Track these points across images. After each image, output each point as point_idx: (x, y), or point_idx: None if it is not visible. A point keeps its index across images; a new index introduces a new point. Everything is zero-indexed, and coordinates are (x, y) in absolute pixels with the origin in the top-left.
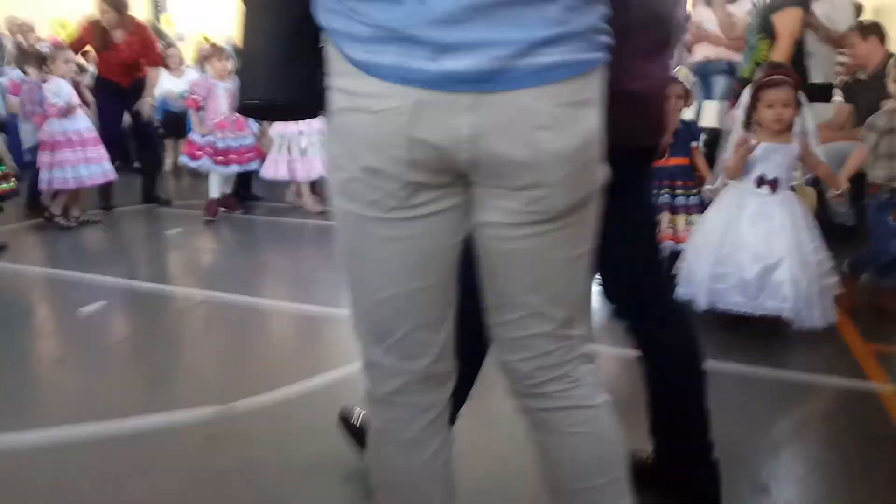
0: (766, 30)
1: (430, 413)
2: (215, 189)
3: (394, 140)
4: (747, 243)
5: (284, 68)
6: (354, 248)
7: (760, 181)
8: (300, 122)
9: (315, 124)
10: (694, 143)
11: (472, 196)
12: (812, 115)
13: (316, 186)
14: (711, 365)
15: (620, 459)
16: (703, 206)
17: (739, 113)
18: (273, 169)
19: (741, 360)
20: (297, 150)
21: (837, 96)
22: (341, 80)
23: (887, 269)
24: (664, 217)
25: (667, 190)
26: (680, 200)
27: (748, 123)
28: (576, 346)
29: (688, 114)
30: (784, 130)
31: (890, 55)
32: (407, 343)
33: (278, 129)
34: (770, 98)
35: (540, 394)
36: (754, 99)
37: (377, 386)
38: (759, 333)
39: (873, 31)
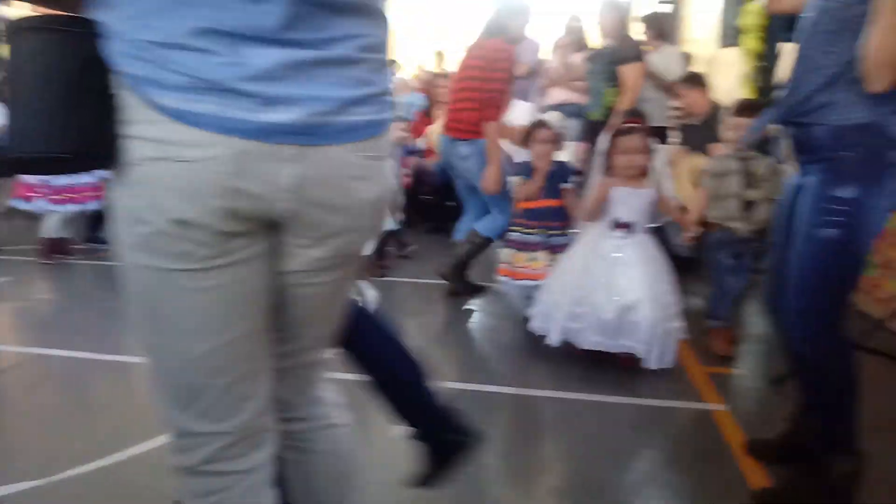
0: (614, 79)
1: (252, 478)
2: (52, 229)
3: (211, 189)
4: (605, 285)
5: (66, 116)
6: (156, 307)
7: (616, 224)
8: None
9: None
10: (565, 185)
11: (277, 244)
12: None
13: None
14: (571, 395)
15: (357, 474)
16: None
17: (599, 158)
18: None
19: (595, 390)
20: None
21: (674, 138)
22: (144, 129)
23: (718, 307)
24: (536, 255)
25: (539, 230)
26: (556, 240)
27: (606, 168)
28: (323, 373)
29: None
30: (638, 176)
31: (715, 103)
32: (223, 402)
33: None
34: (624, 145)
35: (299, 418)
36: (611, 145)
37: (190, 456)
38: (614, 367)
39: (699, 81)
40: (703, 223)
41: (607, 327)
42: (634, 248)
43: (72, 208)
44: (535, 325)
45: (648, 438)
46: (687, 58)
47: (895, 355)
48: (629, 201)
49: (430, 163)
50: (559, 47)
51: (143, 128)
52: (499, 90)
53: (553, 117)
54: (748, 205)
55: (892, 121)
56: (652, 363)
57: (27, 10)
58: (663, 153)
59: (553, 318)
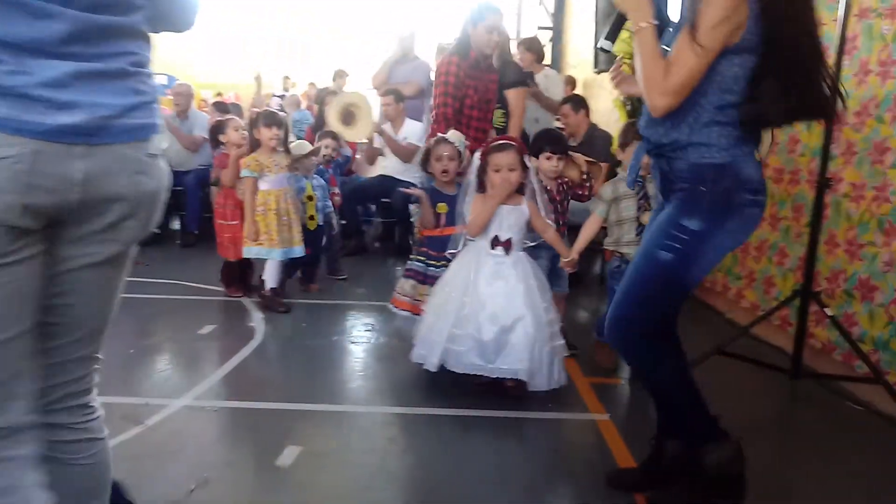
0: (501, 101)
1: (15, 469)
2: None
3: (9, 186)
4: (484, 304)
5: None
6: None
7: (495, 242)
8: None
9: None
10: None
11: (59, 240)
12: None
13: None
14: (460, 412)
15: (109, 486)
16: None
17: (472, 177)
18: None
19: (482, 405)
20: None
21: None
22: None
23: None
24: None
25: (444, 263)
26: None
27: (480, 186)
28: (94, 374)
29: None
30: (513, 193)
31: (594, 125)
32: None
33: None
34: (496, 162)
35: (60, 424)
36: (483, 163)
37: None
38: (499, 391)
39: (582, 104)
40: (594, 250)
41: (486, 349)
42: (513, 267)
43: None
44: (416, 353)
45: (534, 450)
46: (569, 81)
47: (758, 360)
48: (507, 219)
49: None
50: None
51: None
52: None
53: (453, 136)
54: (643, 230)
55: (747, 163)
56: (539, 385)
57: None
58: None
59: (433, 342)
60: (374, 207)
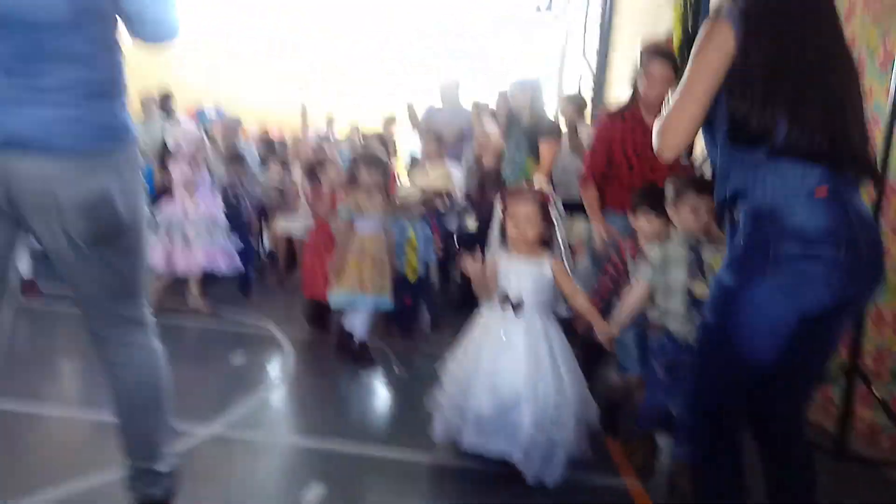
0: (533, 151)
1: None
2: (24, 270)
3: None
4: (486, 373)
5: None
6: None
7: (503, 300)
8: (187, 206)
9: (203, 208)
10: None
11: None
12: (577, 231)
13: (203, 284)
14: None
15: (163, 397)
16: None
17: (494, 229)
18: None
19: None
20: (179, 237)
21: None
22: None
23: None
24: None
25: None
26: None
27: (502, 240)
28: (133, 320)
29: None
30: (532, 247)
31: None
32: None
33: (166, 212)
34: (513, 213)
35: (106, 344)
36: (504, 215)
37: None
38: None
39: None
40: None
41: (485, 426)
42: (524, 332)
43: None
44: (434, 425)
45: None
46: None
47: None
48: (519, 275)
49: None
50: (483, 116)
51: None
52: None
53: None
54: (695, 302)
55: (800, 208)
56: (529, 477)
57: None
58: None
59: (441, 413)
60: None
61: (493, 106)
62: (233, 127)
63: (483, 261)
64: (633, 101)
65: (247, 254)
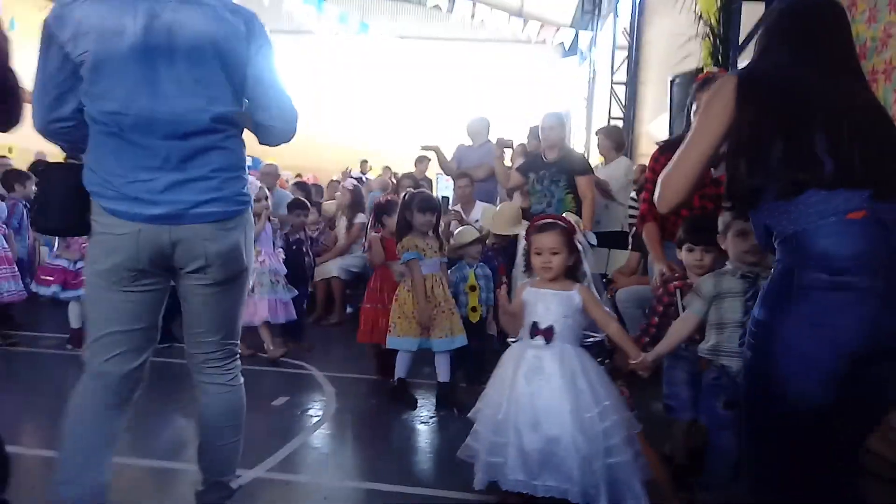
0: (572, 186)
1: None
2: (76, 317)
3: (129, 250)
4: (524, 407)
5: (70, 208)
6: (98, 304)
7: (534, 330)
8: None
9: (268, 262)
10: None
11: (175, 277)
12: (605, 262)
13: (277, 330)
14: None
15: (242, 422)
16: None
17: (519, 260)
18: None
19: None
20: None
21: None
22: (99, 217)
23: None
24: None
25: None
26: None
27: (527, 270)
28: (226, 351)
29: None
30: (559, 277)
31: None
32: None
33: None
34: (538, 244)
35: (208, 372)
36: (529, 245)
37: (87, 361)
38: None
39: None
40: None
41: (530, 462)
42: (557, 361)
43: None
44: (475, 469)
45: None
46: (642, 170)
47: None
48: (546, 304)
49: None
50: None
51: (99, 217)
52: None
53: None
54: None
55: (826, 233)
56: None
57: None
58: (618, 258)
59: (476, 451)
60: None
61: (523, 141)
62: (271, 175)
63: (509, 293)
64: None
65: (301, 299)
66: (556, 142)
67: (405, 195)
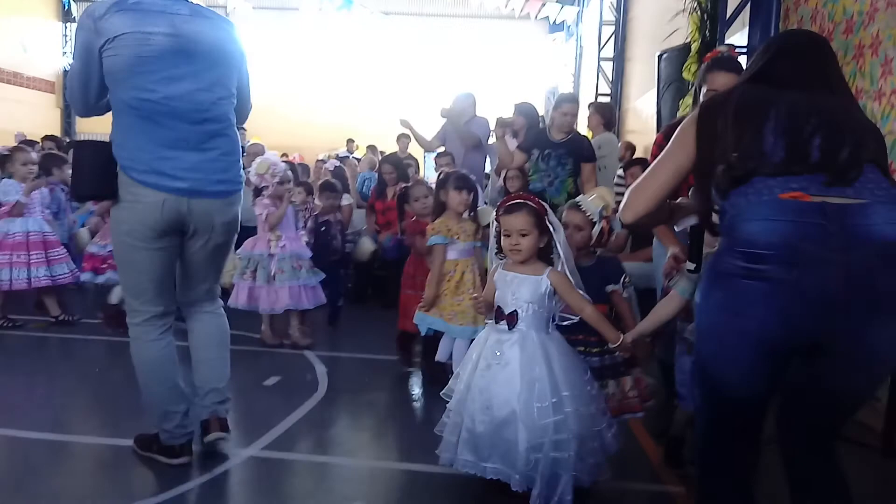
0: (576, 171)
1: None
2: (116, 296)
3: (151, 215)
4: (480, 389)
5: (102, 178)
6: (129, 260)
7: (498, 314)
8: (271, 244)
9: (290, 247)
10: (612, 287)
11: (184, 239)
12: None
13: (304, 317)
14: None
15: (228, 341)
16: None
17: (491, 242)
18: (234, 295)
19: None
20: (263, 275)
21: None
22: (128, 187)
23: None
24: None
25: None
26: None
27: (499, 252)
28: (213, 291)
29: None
30: (530, 259)
31: None
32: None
33: (245, 249)
34: (506, 226)
35: (200, 305)
36: (499, 227)
37: (135, 317)
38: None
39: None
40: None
41: (480, 444)
42: (518, 347)
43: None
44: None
45: None
46: (628, 146)
47: (844, 436)
48: (513, 288)
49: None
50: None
51: (128, 187)
52: None
53: (586, 203)
54: None
55: (751, 217)
56: (534, 501)
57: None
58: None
59: (443, 433)
60: None
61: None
62: (256, 154)
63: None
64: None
65: (335, 283)
66: (571, 128)
67: (440, 174)
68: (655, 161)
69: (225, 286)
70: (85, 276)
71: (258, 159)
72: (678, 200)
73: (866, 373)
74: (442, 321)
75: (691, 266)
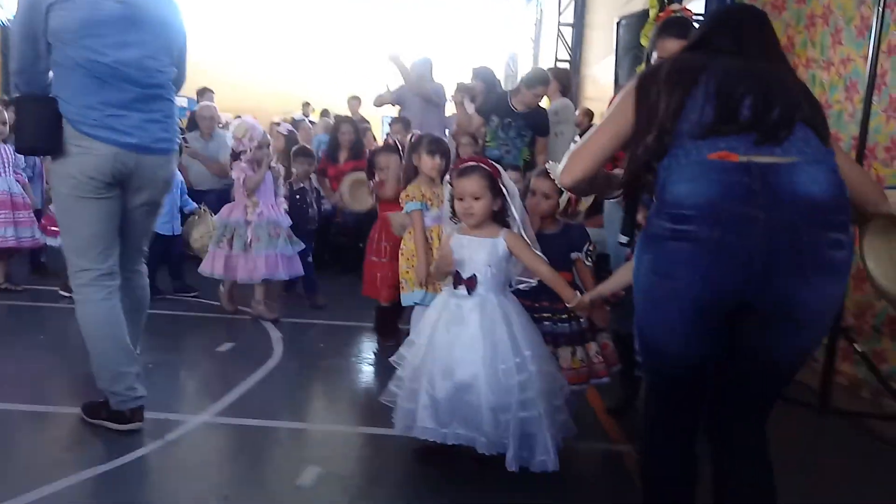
0: (529, 141)
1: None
2: None
3: (103, 166)
4: (440, 355)
5: (49, 132)
6: (74, 213)
7: (456, 279)
8: (248, 210)
9: (267, 213)
10: (576, 255)
11: (124, 192)
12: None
13: (270, 289)
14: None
15: (146, 306)
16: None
17: (445, 206)
18: (210, 264)
19: None
20: (240, 243)
21: None
22: (77, 140)
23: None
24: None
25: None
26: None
27: (453, 217)
28: (142, 256)
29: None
30: (484, 223)
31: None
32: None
33: (222, 216)
34: (459, 189)
35: (136, 268)
36: (453, 191)
37: (80, 278)
38: (474, 471)
39: None
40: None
41: (440, 410)
42: (477, 310)
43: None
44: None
45: (557, 481)
46: (586, 112)
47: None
48: (471, 252)
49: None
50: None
51: (76, 140)
52: None
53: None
54: None
55: (679, 179)
56: (510, 462)
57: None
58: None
59: (396, 396)
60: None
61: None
62: (208, 116)
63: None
64: None
65: (306, 253)
66: (537, 104)
67: (412, 137)
68: (595, 127)
69: (197, 253)
70: (51, 241)
71: (235, 122)
72: (615, 171)
73: (797, 333)
74: (431, 294)
75: (624, 239)
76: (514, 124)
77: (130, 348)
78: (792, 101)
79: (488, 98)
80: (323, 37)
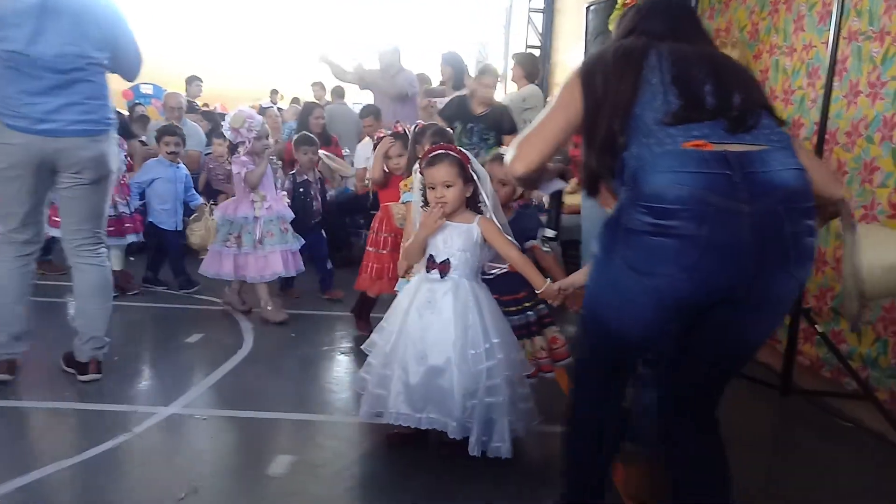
0: (499, 143)
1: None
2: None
3: (22, 155)
4: (413, 340)
5: None
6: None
7: (430, 263)
8: (255, 205)
9: (276, 207)
10: (531, 243)
11: (56, 177)
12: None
13: (280, 288)
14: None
15: (110, 292)
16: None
17: (417, 195)
18: (215, 264)
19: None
20: (249, 241)
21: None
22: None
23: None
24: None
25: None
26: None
27: (425, 205)
28: (95, 238)
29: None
30: (459, 210)
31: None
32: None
33: (225, 213)
34: (430, 178)
35: (82, 254)
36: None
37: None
38: (443, 456)
39: None
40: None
41: (414, 395)
42: (451, 295)
43: (112, 242)
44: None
45: (527, 461)
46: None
47: (746, 376)
48: (444, 237)
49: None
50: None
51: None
52: None
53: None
54: None
55: (655, 171)
56: (473, 447)
57: None
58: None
59: (366, 383)
60: (361, 221)
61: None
62: (176, 106)
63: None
64: None
65: (320, 246)
66: (491, 100)
67: (415, 127)
68: (542, 115)
69: (197, 248)
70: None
71: (232, 112)
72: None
73: (769, 320)
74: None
75: (551, 234)
76: (476, 128)
77: (20, 312)
78: (747, 85)
79: (451, 103)
80: (291, 24)
